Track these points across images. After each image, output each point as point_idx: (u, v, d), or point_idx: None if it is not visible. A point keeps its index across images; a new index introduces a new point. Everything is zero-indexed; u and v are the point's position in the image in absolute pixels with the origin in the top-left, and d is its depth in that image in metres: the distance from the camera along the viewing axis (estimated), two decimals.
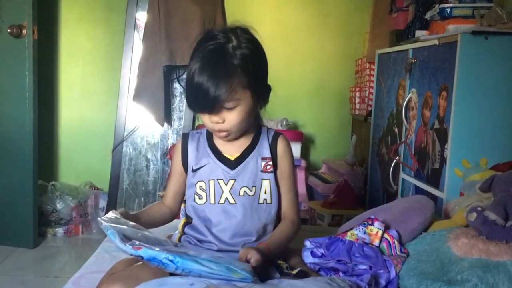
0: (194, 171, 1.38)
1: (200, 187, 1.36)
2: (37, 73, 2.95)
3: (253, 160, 1.37)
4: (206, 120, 1.32)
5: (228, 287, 1.10)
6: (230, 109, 1.28)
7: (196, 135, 1.42)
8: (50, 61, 3.49)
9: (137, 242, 1.10)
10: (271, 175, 1.37)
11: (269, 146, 1.39)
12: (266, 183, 1.36)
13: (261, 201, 1.36)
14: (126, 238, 1.12)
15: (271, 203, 1.37)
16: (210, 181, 1.36)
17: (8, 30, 2.85)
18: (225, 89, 1.24)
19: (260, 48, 1.34)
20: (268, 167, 1.37)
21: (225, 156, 1.38)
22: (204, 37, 1.34)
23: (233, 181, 1.35)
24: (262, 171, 1.37)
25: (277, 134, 1.42)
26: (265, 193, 1.36)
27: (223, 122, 1.30)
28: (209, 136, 1.41)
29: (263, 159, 1.37)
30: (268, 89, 1.37)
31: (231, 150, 1.38)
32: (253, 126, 1.40)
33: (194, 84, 1.26)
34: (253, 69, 1.28)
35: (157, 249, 1.09)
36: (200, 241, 1.36)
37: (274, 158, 1.39)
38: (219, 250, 1.32)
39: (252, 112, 1.33)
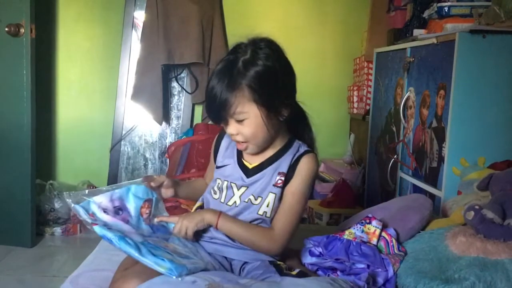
0: (218, 167, 1.43)
1: (218, 184, 1.40)
2: (35, 72, 2.94)
3: (270, 173, 1.36)
4: (226, 130, 1.35)
5: (230, 285, 1.10)
6: (240, 121, 1.30)
7: None
8: (48, 60, 3.48)
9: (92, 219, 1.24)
10: (279, 190, 1.35)
11: (291, 162, 1.36)
12: (271, 197, 1.34)
13: (260, 212, 1.35)
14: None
15: (269, 217, 1.35)
16: (225, 181, 1.39)
17: (6, 29, 2.84)
18: (228, 102, 1.26)
19: (278, 65, 1.32)
20: (280, 181, 1.35)
21: (243, 163, 1.39)
22: (231, 48, 1.36)
23: (245, 188, 1.36)
24: (273, 185, 1.35)
25: (305, 152, 1.39)
26: (267, 206, 1.34)
27: (238, 134, 1.32)
28: None
29: (279, 173, 1.36)
30: (288, 104, 1.34)
31: (252, 158, 1.39)
32: (282, 139, 1.39)
33: (208, 89, 1.30)
34: (262, 85, 1.27)
35: (109, 228, 1.22)
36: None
37: (290, 174, 1.36)
38: (210, 238, 1.37)
39: (267, 126, 1.30)
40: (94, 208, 1.27)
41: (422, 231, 1.59)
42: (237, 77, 1.27)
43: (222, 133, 1.47)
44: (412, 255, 1.45)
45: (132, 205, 1.33)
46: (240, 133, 1.31)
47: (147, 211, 1.34)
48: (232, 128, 1.32)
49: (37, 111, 3.01)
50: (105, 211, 1.28)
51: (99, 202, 1.28)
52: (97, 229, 1.20)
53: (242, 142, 1.33)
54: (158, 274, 1.15)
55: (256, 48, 1.30)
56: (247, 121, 1.29)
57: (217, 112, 1.30)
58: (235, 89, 1.26)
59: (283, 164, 1.37)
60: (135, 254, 1.17)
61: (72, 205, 1.25)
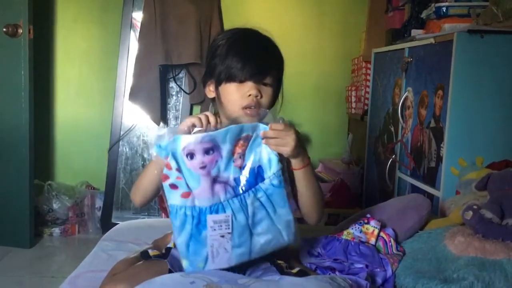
0: None
1: None
2: (33, 73, 2.94)
3: None
4: (241, 95, 1.27)
5: (228, 285, 1.10)
6: (266, 84, 1.29)
7: None
8: (46, 61, 3.48)
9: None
10: None
11: None
12: None
13: None
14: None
15: None
16: None
17: (4, 29, 2.83)
18: (273, 56, 1.32)
19: None
20: None
21: None
22: None
23: None
24: None
25: None
26: None
27: (261, 97, 1.28)
28: None
29: None
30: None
31: None
32: None
33: (248, 41, 1.31)
34: (281, 73, 1.35)
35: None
36: None
37: None
38: None
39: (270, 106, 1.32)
40: (180, 144, 1.14)
41: (421, 231, 1.59)
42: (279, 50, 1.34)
43: None
44: (410, 255, 1.46)
45: (227, 145, 1.18)
46: (264, 97, 1.29)
47: (240, 150, 1.20)
48: (260, 88, 1.28)
49: (35, 111, 3.00)
50: (190, 154, 1.15)
51: (186, 144, 1.15)
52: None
53: (258, 107, 1.28)
54: (147, 278, 1.12)
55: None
56: (270, 88, 1.30)
57: (263, 61, 1.28)
58: (276, 54, 1.33)
59: None
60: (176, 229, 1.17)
61: (154, 144, 1.14)
